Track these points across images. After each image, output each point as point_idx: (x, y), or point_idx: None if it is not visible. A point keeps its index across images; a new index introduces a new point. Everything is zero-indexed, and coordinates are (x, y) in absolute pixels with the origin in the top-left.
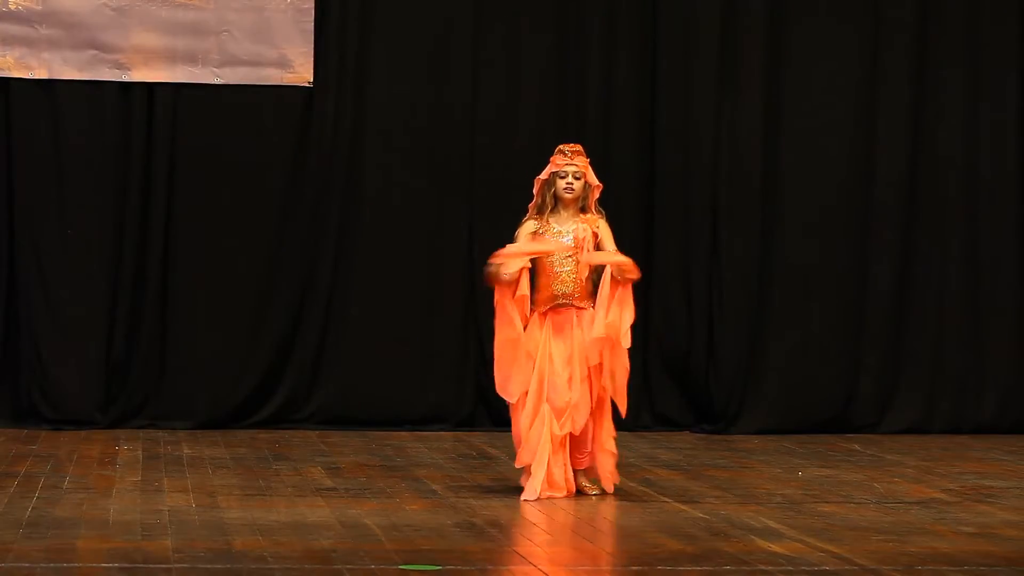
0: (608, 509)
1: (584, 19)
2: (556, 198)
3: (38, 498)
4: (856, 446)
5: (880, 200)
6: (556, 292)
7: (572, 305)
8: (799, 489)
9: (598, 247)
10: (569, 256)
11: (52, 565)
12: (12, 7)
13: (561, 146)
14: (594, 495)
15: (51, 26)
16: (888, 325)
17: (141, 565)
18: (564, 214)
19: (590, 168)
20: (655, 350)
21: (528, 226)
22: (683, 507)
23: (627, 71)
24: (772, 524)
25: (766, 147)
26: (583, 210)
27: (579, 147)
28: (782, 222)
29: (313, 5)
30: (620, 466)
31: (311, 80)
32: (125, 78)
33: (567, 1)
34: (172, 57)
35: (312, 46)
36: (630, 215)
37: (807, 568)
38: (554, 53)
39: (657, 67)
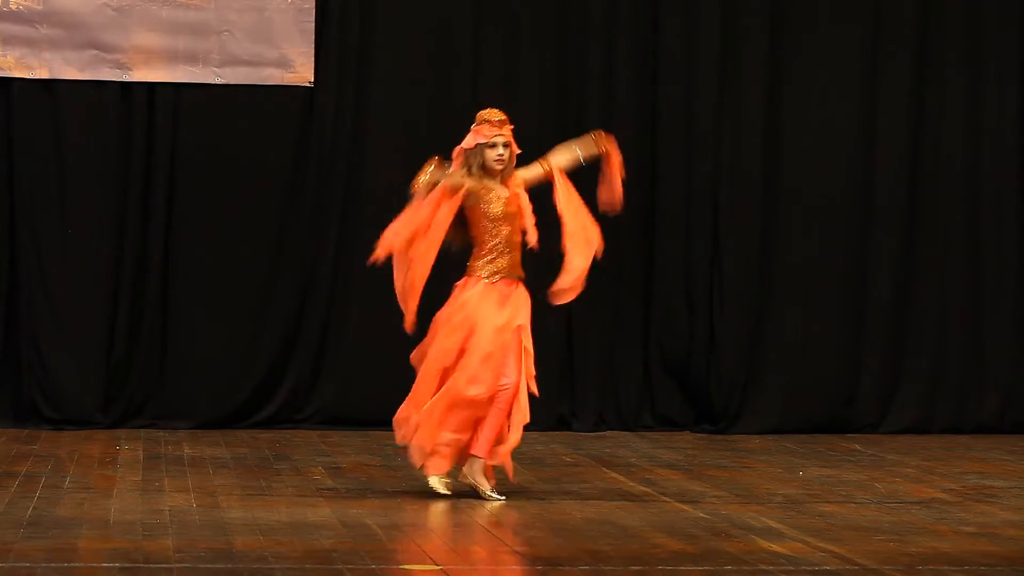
0: (608, 509)
1: (585, 17)
2: (484, 168)
3: (39, 498)
4: (857, 446)
5: (881, 200)
6: (494, 263)
7: (516, 277)
8: (800, 489)
9: (532, 185)
10: (503, 223)
11: (53, 565)
12: (13, 7)
13: (485, 114)
14: (488, 495)
15: (52, 26)
16: (889, 325)
17: (142, 565)
18: (491, 183)
19: (512, 135)
20: (656, 350)
21: (469, 180)
22: (684, 507)
23: (628, 70)
24: (773, 524)
25: (767, 147)
26: (503, 175)
27: (504, 115)
28: (783, 222)
29: (314, 5)
30: (622, 466)
31: (312, 80)
32: (126, 78)
33: (568, 1)
34: (173, 57)
35: (313, 46)
36: (631, 215)
37: (808, 568)
38: (555, 52)
39: (658, 67)
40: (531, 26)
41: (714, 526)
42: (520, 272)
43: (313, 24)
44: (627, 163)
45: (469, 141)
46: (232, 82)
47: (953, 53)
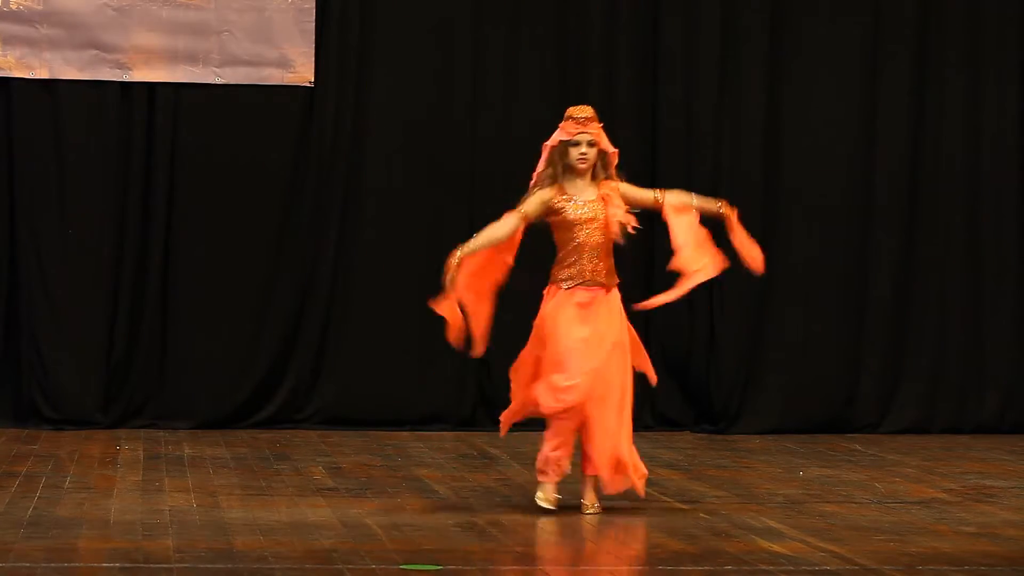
0: (608, 509)
1: (585, 17)
2: (568, 167)
3: (39, 498)
4: (857, 446)
5: (881, 200)
6: (582, 268)
7: (598, 283)
8: (800, 489)
9: (631, 204)
10: (594, 227)
11: (53, 565)
12: (13, 7)
13: (572, 110)
14: (589, 513)
15: (52, 26)
16: (889, 325)
17: (142, 565)
18: (580, 182)
19: (603, 133)
20: (656, 350)
21: (541, 195)
22: (684, 507)
23: (628, 70)
24: (773, 524)
25: (767, 147)
26: (595, 176)
27: (591, 111)
28: (783, 222)
29: (314, 5)
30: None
31: (312, 80)
32: (126, 78)
33: (568, 1)
34: (173, 57)
35: (313, 46)
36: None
37: (808, 568)
38: (554, 53)
39: (658, 67)
40: (531, 26)
41: (714, 526)
42: (603, 278)
43: (313, 24)
44: (627, 163)
45: (554, 138)
46: (232, 82)
47: (953, 53)
